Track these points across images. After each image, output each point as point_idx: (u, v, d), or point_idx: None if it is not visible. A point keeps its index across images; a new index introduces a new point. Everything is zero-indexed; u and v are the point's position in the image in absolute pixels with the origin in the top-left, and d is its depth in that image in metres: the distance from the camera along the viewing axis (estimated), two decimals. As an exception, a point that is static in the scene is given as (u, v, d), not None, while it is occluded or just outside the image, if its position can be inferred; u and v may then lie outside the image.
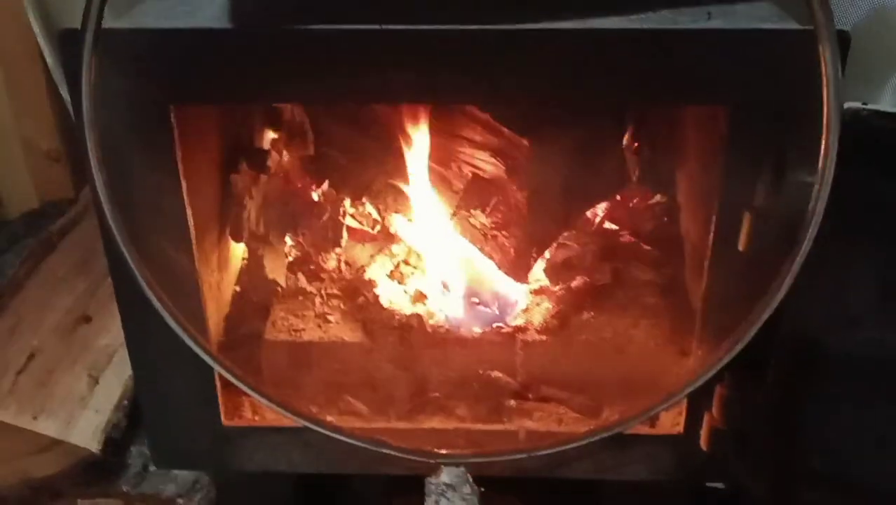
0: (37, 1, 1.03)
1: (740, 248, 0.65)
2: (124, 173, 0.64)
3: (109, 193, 0.61)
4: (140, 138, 0.65)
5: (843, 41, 0.57)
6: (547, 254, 0.86)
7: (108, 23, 0.59)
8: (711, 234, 0.67)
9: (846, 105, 0.56)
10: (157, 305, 0.65)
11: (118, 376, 0.89)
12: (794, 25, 0.59)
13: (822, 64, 0.54)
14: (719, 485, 0.82)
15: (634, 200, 0.95)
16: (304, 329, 0.83)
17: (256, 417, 0.80)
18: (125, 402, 0.86)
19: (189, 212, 0.69)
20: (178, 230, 0.69)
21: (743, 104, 0.61)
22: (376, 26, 0.59)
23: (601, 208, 0.91)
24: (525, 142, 0.75)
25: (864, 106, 0.57)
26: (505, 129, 0.76)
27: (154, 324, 0.67)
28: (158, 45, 0.61)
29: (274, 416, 0.77)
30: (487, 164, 0.79)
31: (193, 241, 0.70)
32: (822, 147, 0.56)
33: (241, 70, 0.62)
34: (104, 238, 0.66)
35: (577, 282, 0.86)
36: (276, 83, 0.63)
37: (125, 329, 0.74)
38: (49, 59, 1.07)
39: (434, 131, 0.81)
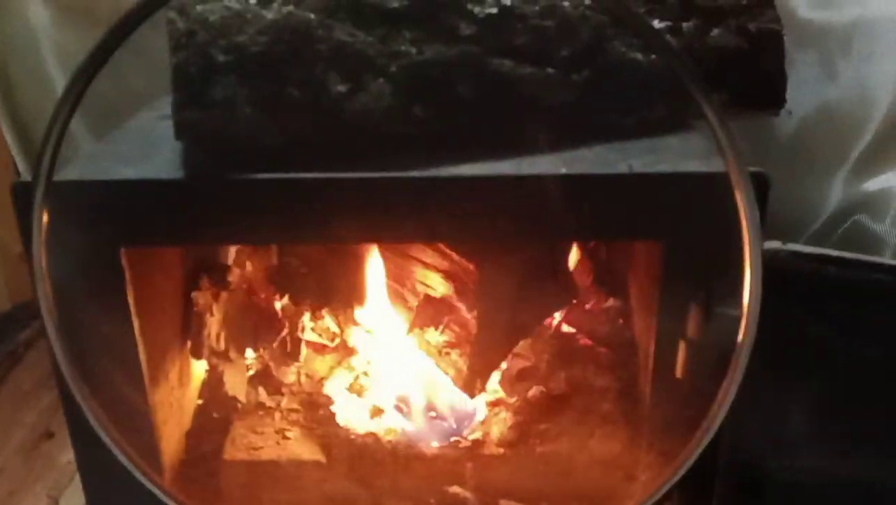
0: (11, 116, 1.06)
1: (678, 375, 0.67)
2: (78, 311, 0.65)
3: (61, 337, 0.63)
4: (93, 278, 0.67)
5: (761, 184, 0.60)
6: (503, 365, 0.88)
7: (60, 171, 0.61)
8: (651, 361, 0.69)
9: (766, 245, 0.58)
10: (108, 443, 0.66)
11: (79, 496, 0.88)
12: (714, 168, 0.62)
13: (740, 210, 0.57)
14: None
15: (589, 304, 0.97)
16: (262, 447, 0.84)
17: (214, 541, 0.80)
18: (84, 524, 0.86)
19: (142, 347, 0.70)
20: (132, 365, 0.70)
21: (673, 241, 0.64)
22: (321, 174, 0.62)
23: (556, 317, 0.93)
24: (472, 266, 0.78)
25: (782, 247, 0.59)
26: (453, 254, 0.79)
27: (107, 454, 0.68)
28: (109, 194, 0.64)
29: (231, 540, 0.78)
30: (438, 285, 0.82)
31: (146, 375, 0.71)
32: (746, 287, 0.58)
33: (191, 216, 0.64)
34: (56, 375, 0.67)
35: (532, 392, 0.87)
36: (225, 228, 0.65)
37: (78, 459, 0.75)
38: (21, 167, 1.10)
39: (388, 252, 0.83)
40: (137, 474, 0.67)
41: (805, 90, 0.93)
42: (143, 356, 0.70)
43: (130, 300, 0.67)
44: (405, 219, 0.64)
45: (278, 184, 0.62)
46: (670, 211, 0.63)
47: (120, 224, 0.64)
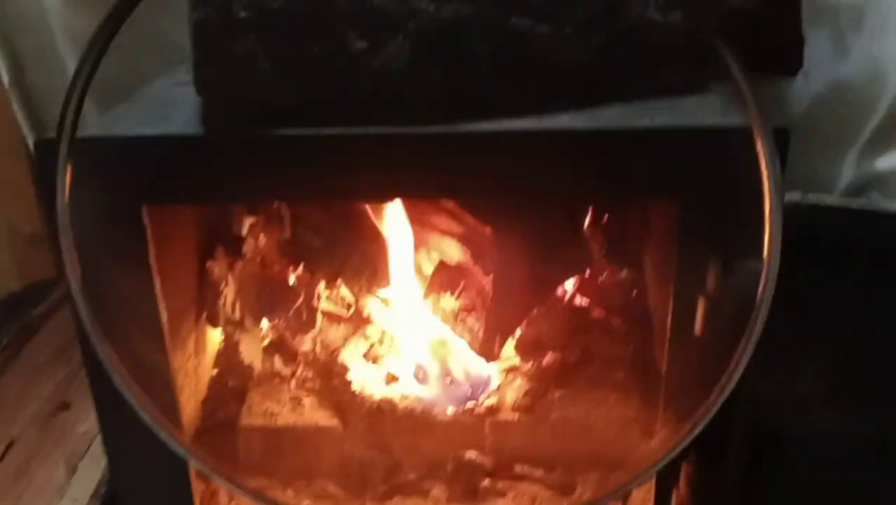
0: (22, 95, 1.07)
1: (697, 331, 0.67)
2: (100, 270, 0.66)
3: (84, 294, 0.63)
4: (115, 237, 0.67)
5: (782, 137, 0.60)
6: (518, 332, 0.88)
7: (82, 130, 0.62)
8: (669, 318, 0.69)
9: (787, 197, 0.59)
10: (131, 400, 0.66)
11: (96, 464, 0.90)
12: (736, 120, 0.62)
13: (761, 161, 0.57)
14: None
15: (603, 276, 0.97)
16: (279, 413, 0.84)
17: (232, 505, 0.81)
18: (102, 490, 0.86)
19: (163, 305, 0.70)
20: (152, 323, 0.71)
21: (691, 198, 0.64)
22: (340, 130, 0.62)
23: (570, 285, 0.93)
24: (488, 229, 0.78)
25: (802, 199, 0.59)
26: (469, 218, 0.79)
27: (129, 414, 0.68)
28: (131, 150, 0.64)
29: (249, 503, 0.78)
30: (453, 251, 0.82)
31: (167, 333, 0.72)
32: (766, 238, 0.59)
33: (211, 173, 0.64)
34: (79, 334, 0.67)
35: (547, 359, 0.87)
36: (246, 185, 0.65)
37: (100, 420, 0.75)
38: (33, 148, 1.10)
39: (403, 219, 0.83)
40: (160, 432, 0.67)
41: (817, 67, 0.92)
42: (163, 316, 0.71)
43: (152, 259, 0.68)
44: (424, 174, 0.64)
45: (300, 140, 0.63)
46: (691, 166, 0.63)
47: (142, 182, 0.65)
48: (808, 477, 0.69)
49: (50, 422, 0.94)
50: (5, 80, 1.06)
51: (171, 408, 0.74)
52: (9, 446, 0.90)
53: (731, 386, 0.64)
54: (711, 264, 0.64)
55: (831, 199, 0.59)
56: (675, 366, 0.71)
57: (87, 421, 0.94)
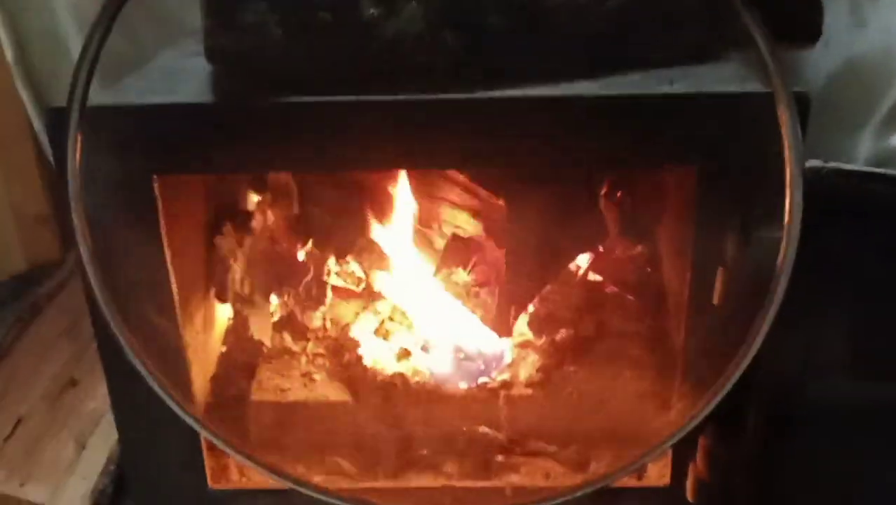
0: (26, 74, 1.06)
1: (715, 301, 0.66)
2: (110, 242, 0.65)
3: (96, 264, 0.62)
4: (125, 208, 0.66)
5: (803, 102, 0.59)
6: (531, 307, 0.87)
7: (93, 99, 0.61)
8: (687, 289, 0.68)
9: (808, 163, 0.58)
10: (143, 371, 0.66)
11: (105, 441, 0.89)
12: (755, 88, 0.61)
13: (782, 126, 0.56)
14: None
15: (617, 251, 0.96)
16: (289, 389, 0.84)
17: (243, 480, 0.80)
18: (112, 467, 0.86)
19: (173, 278, 0.70)
20: (163, 296, 0.70)
21: (710, 165, 0.63)
22: (352, 97, 0.61)
23: (584, 261, 0.92)
24: (501, 202, 0.77)
25: (824, 164, 0.58)
26: (481, 190, 0.78)
27: (140, 388, 0.68)
28: (142, 119, 0.63)
29: (261, 478, 0.77)
30: (466, 224, 0.81)
31: (178, 306, 0.71)
32: (787, 205, 0.58)
33: (222, 141, 0.63)
34: (90, 306, 0.67)
35: (561, 335, 0.87)
36: (257, 154, 0.64)
37: (111, 394, 0.75)
38: (38, 129, 1.10)
39: (414, 192, 0.83)
40: (171, 403, 0.67)
41: (835, 40, 0.91)
42: (174, 289, 0.70)
43: (163, 232, 0.67)
44: (439, 142, 0.63)
45: (312, 107, 0.62)
46: (711, 133, 0.62)
47: (152, 151, 0.64)
48: (827, 446, 0.68)
49: (58, 399, 0.94)
50: (9, 59, 1.05)
51: (181, 383, 0.73)
52: (17, 424, 0.90)
53: (750, 357, 0.64)
54: (731, 233, 0.64)
55: (852, 166, 0.58)
56: (693, 337, 0.70)
57: (95, 398, 0.93)
